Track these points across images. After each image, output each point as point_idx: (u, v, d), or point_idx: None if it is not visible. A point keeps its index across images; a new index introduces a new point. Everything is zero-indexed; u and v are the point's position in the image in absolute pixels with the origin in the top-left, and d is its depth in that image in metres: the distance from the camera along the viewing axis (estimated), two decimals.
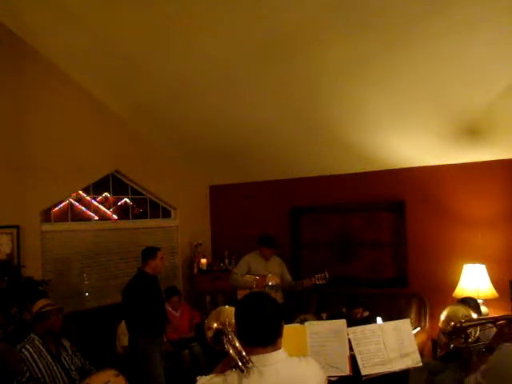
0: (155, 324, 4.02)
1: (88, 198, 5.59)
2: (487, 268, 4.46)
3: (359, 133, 4.76)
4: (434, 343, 4.57)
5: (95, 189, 5.59)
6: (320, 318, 4.68)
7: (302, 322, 3.09)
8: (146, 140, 5.93)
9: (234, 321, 1.81)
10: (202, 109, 5.00)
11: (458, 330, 2.64)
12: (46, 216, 5.05)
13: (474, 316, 2.77)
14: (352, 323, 3.28)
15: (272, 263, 4.96)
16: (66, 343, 3.52)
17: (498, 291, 4.39)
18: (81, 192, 5.47)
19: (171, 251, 6.27)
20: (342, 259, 5.58)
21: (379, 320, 4.06)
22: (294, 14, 3.47)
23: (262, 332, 1.70)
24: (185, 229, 6.38)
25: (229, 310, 1.94)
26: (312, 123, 4.82)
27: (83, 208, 5.55)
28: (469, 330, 2.62)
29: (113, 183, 5.76)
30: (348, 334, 2.90)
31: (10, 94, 4.66)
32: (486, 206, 4.73)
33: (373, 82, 3.99)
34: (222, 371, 1.77)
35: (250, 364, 1.64)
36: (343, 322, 2.96)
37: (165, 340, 4.30)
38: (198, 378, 1.78)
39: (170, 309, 4.91)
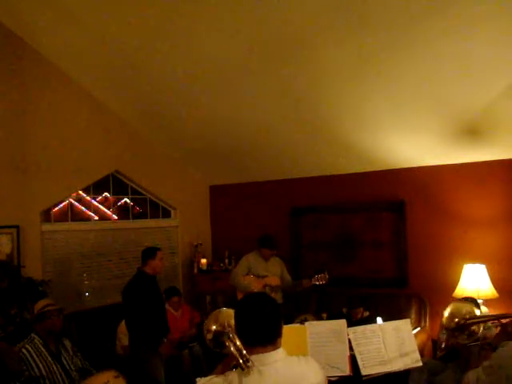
0: (155, 324, 4.02)
1: (88, 198, 5.59)
2: (487, 268, 4.46)
3: (359, 133, 4.76)
4: (434, 343, 4.57)
5: (95, 189, 5.59)
6: (320, 318, 4.69)
7: (302, 322, 3.10)
8: (145, 140, 5.93)
9: (232, 322, 1.82)
10: (201, 109, 5.00)
11: (461, 327, 2.64)
12: (46, 216, 5.06)
13: (478, 313, 2.77)
14: (352, 323, 3.28)
15: (272, 263, 4.96)
16: (67, 343, 3.52)
17: (498, 291, 4.39)
18: (81, 192, 5.47)
19: (171, 251, 6.28)
20: (342, 259, 5.58)
21: (379, 320, 4.06)
22: (294, 14, 3.47)
23: (261, 332, 1.70)
24: (185, 229, 6.38)
25: (227, 312, 1.95)
26: (312, 123, 4.81)
27: (83, 208, 5.55)
28: (472, 327, 2.62)
29: (113, 183, 5.76)
30: (348, 334, 2.90)
31: (10, 93, 4.66)
32: (486, 206, 4.73)
33: (373, 82, 3.99)
34: (222, 372, 1.78)
35: (251, 363, 1.64)
36: (343, 322, 2.97)
37: (165, 340, 4.29)
38: (197, 379, 1.78)
39: (170, 309, 4.90)
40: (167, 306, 4.78)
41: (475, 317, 2.68)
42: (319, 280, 4.66)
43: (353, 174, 5.52)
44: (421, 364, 2.89)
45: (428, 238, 5.06)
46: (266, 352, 1.69)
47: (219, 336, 1.88)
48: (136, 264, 4.47)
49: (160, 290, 4.31)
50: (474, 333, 2.61)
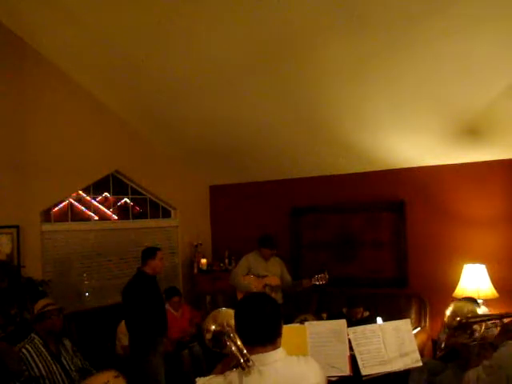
0: (155, 324, 4.02)
1: (88, 198, 5.59)
2: (487, 268, 4.46)
3: (359, 133, 4.76)
4: (434, 343, 4.57)
5: (95, 189, 5.59)
6: (320, 318, 4.69)
7: (302, 322, 3.10)
8: (146, 140, 5.93)
9: (231, 322, 1.82)
10: (201, 109, 5.00)
11: (463, 326, 2.65)
12: (46, 216, 5.06)
13: (480, 312, 2.78)
14: (352, 323, 3.28)
15: (272, 263, 4.96)
16: (67, 343, 3.52)
17: (498, 291, 4.39)
18: (81, 192, 5.47)
19: (171, 251, 6.28)
20: (342, 259, 5.58)
21: (379, 320, 4.06)
22: (294, 14, 3.47)
23: (261, 331, 1.71)
24: (185, 229, 6.38)
25: (226, 312, 1.96)
26: (312, 123, 4.81)
27: (83, 208, 5.55)
28: (474, 326, 2.63)
29: (113, 183, 5.76)
30: (348, 334, 2.90)
31: (10, 93, 4.66)
32: (486, 206, 4.73)
33: (373, 82, 3.99)
34: (222, 372, 1.78)
35: (251, 362, 1.64)
36: (343, 322, 2.97)
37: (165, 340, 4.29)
38: (196, 379, 1.78)
39: (170, 309, 4.90)
40: (167, 306, 4.78)
41: (477, 316, 2.69)
42: (319, 280, 4.66)
43: (353, 174, 5.52)
44: (421, 364, 2.90)
45: (428, 238, 5.06)
46: (265, 352, 1.69)
47: (218, 336, 1.88)
48: (136, 264, 4.47)
49: (160, 290, 4.31)
50: (475, 332, 2.62)
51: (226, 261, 6.24)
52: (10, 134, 4.65)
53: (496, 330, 2.92)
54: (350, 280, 5.44)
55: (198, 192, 6.68)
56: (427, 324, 4.89)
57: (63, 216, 5.27)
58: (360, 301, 4.47)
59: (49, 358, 3.28)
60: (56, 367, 3.29)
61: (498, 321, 2.78)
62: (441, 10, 3.11)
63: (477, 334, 2.63)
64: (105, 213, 5.80)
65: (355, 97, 4.25)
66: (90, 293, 5.42)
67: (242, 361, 1.65)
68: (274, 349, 1.71)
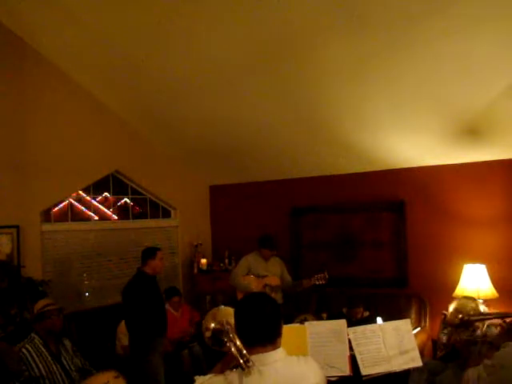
0: (155, 324, 4.02)
1: (88, 198, 5.59)
2: (487, 268, 4.46)
3: (359, 133, 4.76)
4: (434, 343, 4.57)
5: (95, 189, 5.59)
6: (320, 318, 4.69)
7: (302, 322, 3.10)
8: (146, 140, 5.93)
9: (231, 320, 1.82)
10: (201, 109, 5.00)
11: (465, 323, 2.66)
12: (46, 216, 5.06)
13: (482, 309, 2.79)
14: (352, 323, 3.28)
15: (272, 264, 4.96)
16: (67, 343, 3.52)
17: (498, 291, 4.39)
18: (81, 192, 5.47)
19: (171, 251, 6.28)
20: (342, 259, 5.58)
21: (379, 320, 4.06)
22: (294, 14, 3.47)
23: (261, 332, 1.70)
24: (185, 229, 6.38)
25: (226, 310, 1.95)
26: (312, 123, 4.81)
27: (83, 208, 5.55)
28: (476, 324, 2.64)
29: (113, 183, 5.76)
30: (348, 334, 2.90)
31: (10, 93, 4.66)
32: (486, 206, 4.73)
33: (373, 82, 3.99)
34: (222, 371, 1.78)
35: (251, 363, 1.64)
36: (343, 322, 2.97)
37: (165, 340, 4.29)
38: (195, 377, 1.78)
39: (170, 309, 4.90)
40: (167, 306, 4.78)
41: (479, 314, 2.70)
42: (319, 280, 4.66)
43: (353, 174, 5.52)
44: (421, 364, 2.90)
45: (428, 238, 5.06)
46: (265, 352, 1.69)
47: (218, 334, 1.88)
48: (136, 264, 4.47)
49: (160, 290, 4.31)
50: (477, 329, 2.63)
51: (226, 261, 6.24)
52: (10, 133, 4.65)
53: (496, 330, 2.93)
54: (350, 280, 5.44)
55: (198, 192, 6.68)
56: (427, 324, 4.88)
57: (63, 216, 5.27)
58: (360, 301, 4.47)
59: (49, 358, 3.28)
60: (56, 367, 3.29)
61: (499, 320, 2.78)
62: (441, 9, 3.11)
63: (478, 332, 2.64)
64: (105, 213, 5.80)
65: (355, 97, 4.25)
66: (90, 293, 5.42)
67: (241, 362, 1.65)
68: (274, 349, 1.70)
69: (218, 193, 6.75)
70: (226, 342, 1.80)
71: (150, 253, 4.16)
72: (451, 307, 2.80)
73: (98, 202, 5.71)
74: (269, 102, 4.64)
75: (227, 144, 5.54)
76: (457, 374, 3.26)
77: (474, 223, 4.77)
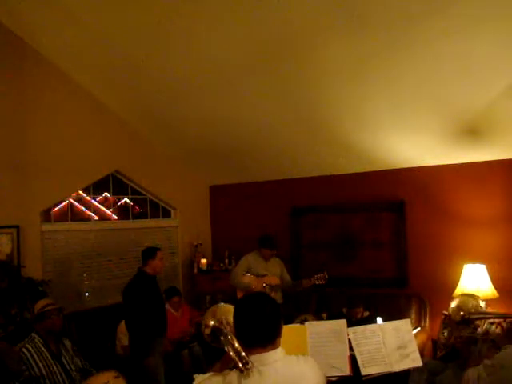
0: (155, 324, 4.02)
1: (88, 198, 5.59)
2: (487, 268, 4.46)
3: (359, 133, 4.76)
4: (434, 343, 4.57)
5: (95, 189, 5.59)
6: (320, 318, 4.69)
7: (302, 322, 3.10)
8: (146, 140, 5.93)
9: (230, 318, 1.81)
10: (201, 109, 5.00)
11: (466, 321, 2.67)
12: (46, 216, 5.05)
13: (482, 305, 2.80)
14: (352, 323, 3.28)
15: (272, 263, 4.97)
16: (68, 343, 3.52)
17: (498, 291, 4.39)
18: (81, 192, 5.47)
19: (171, 251, 6.28)
20: (342, 259, 5.58)
21: (379, 320, 4.06)
22: (294, 14, 3.47)
23: (261, 332, 1.70)
24: (185, 229, 6.38)
25: (225, 308, 1.95)
26: (312, 123, 4.81)
27: (83, 208, 5.55)
28: (477, 322, 2.65)
29: (113, 183, 5.76)
30: (348, 334, 2.90)
31: (10, 93, 4.66)
32: (486, 206, 4.73)
33: (373, 82, 3.99)
34: (221, 370, 1.78)
35: (250, 364, 1.63)
36: (343, 322, 2.97)
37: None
38: (195, 376, 1.78)
39: (170, 309, 4.90)
40: (167, 306, 4.79)
41: (480, 312, 2.71)
42: (319, 280, 4.66)
43: (353, 174, 5.52)
44: (421, 364, 2.90)
45: (428, 238, 5.06)
46: (265, 352, 1.68)
47: (217, 331, 1.87)
48: (136, 264, 4.47)
49: (160, 290, 4.32)
50: (478, 327, 2.64)
51: (226, 261, 6.24)
52: (10, 133, 4.65)
53: (497, 329, 2.93)
54: (350, 280, 5.44)
55: (198, 192, 6.68)
56: (427, 324, 4.88)
57: (63, 216, 5.27)
58: (360, 301, 4.47)
59: (49, 358, 3.28)
60: (56, 367, 3.29)
61: (500, 320, 2.79)
62: (441, 9, 3.11)
63: (479, 330, 2.65)
64: (105, 213, 5.80)
65: (355, 97, 4.25)
66: (90, 293, 5.42)
67: (240, 365, 1.64)
68: (274, 349, 1.70)
69: (218, 193, 6.75)
70: (225, 347, 1.78)
71: (150, 253, 4.17)
72: (453, 304, 2.81)
73: (97, 201, 5.71)
74: (269, 102, 4.64)
75: (227, 144, 5.54)
76: (457, 374, 3.27)
77: (474, 223, 4.77)
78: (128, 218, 5.95)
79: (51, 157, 4.93)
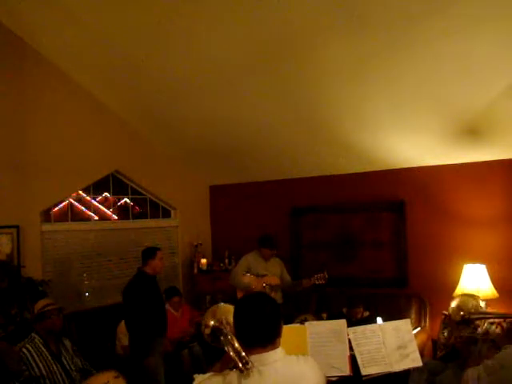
0: (155, 324, 4.02)
1: (88, 198, 5.59)
2: (487, 268, 4.46)
3: (359, 133, 4.76)
4: (434, 343, 4.57)
5: (95, 189, 5.59)
6: (320, 318, 4.69)
7: (302, 322, 3.10)
8: (146, 140, 5.93)
9: (230, 318, 1.81)
10: (201, 109, 5.00)
11: (466, 321, 2.67)
12: (46, 216, 5.05)
13: (482, 305, 2.80)
14: (352, 323, 3.28)
15: (272, 263, 4.97)
16: (67, 343, 3.52)
17: (498, 291, 4.39)
18: (81, 192, 5.47)
19: (171, 251, 6.28)
20: (342, 259, 5.58)
21: (379, 320, 4.06)
22: (294, 14, 3.47)
23: (261, 332, 1.70)
24: (185, 229, 6.38)
25: (225, 308, 1.95)
26: (312, 123, 4.82)
27: (83, 208, 5.55)
28: (477, 322, 2.65)
29: (113, 183, 5.76)
30: (348, 334, 2.90)
31: (10, 93, 4.66)
32: (486, 206, 4.73)
33: (373, 82, 3.99)
34: (221, 370, 1.78)
35: (250, 364, 1.63)
36: (343, 322, 2.97)
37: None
38: (195, 376, 1.78)
39: (170, 309, 4.90)
40: (167, 306, 4.79)
41: (480, 312, 2.71)
42: (318, 280, 4.66)
43: (353, 174, 5.52)
44: (421, 364, 2.90)
45: (428, 238, 5.06)
46: (265, 352, 1.68)
47: (217, 331, 1.87)
48: (136, 264, 4.47)
49: (160, 290, 4.31)
50: (478, 327, 2.64)
51: (226, 261, 6.24)
52: (10, 134, 4.65)
53: (497, 329, 2.93)
54: (350, 280, 5.44)
55: (198, 192, 6.68)
56: (427, 324, 4.88)
57: (63, 216, 5.27)
58: (360, 301, 4.48)
59: (49, 358, 3.28)
60: (56, 367, 3.29)
61: (500, 320, 2.79)
62: (441, 9, 3.11)
63: (479, 330, 2.65)
64: (105, 213, 5.80)
65: (355, 97, 4.25)
66: (90, 293, 5.42)
67: (240, 365, 1.64)
68: (274, 349, 1.70)
69: (218, 193, 6.75)
70: (225, 348, 1.78)
71: (150, 253, 4.17)
72: (453, 304, 2.81)
73: (98, 202, 5.71)
74: (269, 102, 4.64)
75: (227, 144, 5.54)
76: (457, 374, 3.27)
77: (474, 223, 4.77)
78: (128, 218, 5.95)
79: (51, 157, 4.93)
